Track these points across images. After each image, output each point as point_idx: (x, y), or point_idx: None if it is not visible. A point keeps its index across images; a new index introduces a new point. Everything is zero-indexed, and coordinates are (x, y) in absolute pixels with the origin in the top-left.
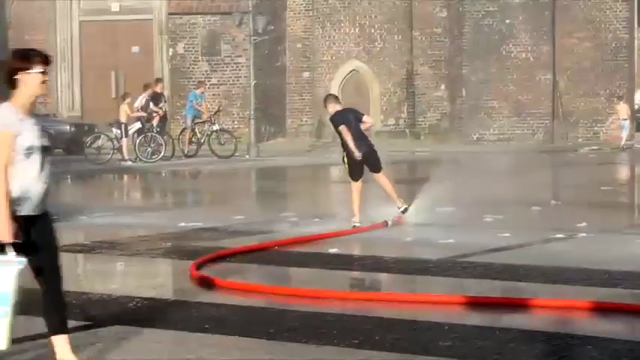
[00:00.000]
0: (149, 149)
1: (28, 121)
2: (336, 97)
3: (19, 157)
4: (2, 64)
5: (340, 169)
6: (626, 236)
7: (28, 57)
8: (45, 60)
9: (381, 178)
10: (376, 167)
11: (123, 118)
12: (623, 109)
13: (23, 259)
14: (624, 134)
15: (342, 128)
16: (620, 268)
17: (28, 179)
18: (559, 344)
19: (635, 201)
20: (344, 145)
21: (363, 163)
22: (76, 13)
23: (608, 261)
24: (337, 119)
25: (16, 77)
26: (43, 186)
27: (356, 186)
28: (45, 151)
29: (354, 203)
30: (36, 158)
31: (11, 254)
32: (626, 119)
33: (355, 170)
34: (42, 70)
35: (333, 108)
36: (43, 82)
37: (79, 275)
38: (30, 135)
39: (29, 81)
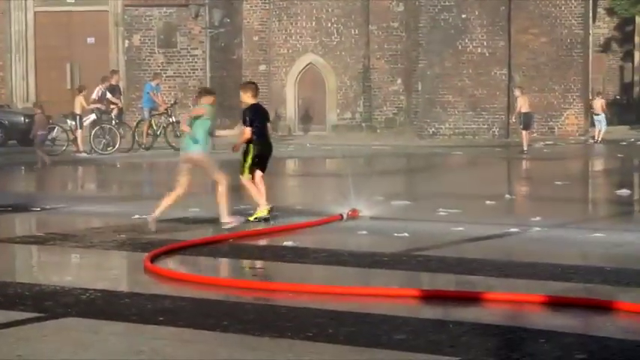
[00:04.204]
0: (104, 141)
1: None
2: (256, 88)
3: None
4: None
5: (296, 161)
6: (579, 230)
7: None
8: None
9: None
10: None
11: (78, 110)
12: (597, 104)
13: None
14: (601, 128)
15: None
16: (573, 262)
17: None
18: (512, 338)
19: (589, 195)
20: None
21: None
22: (31, 3)
23: (562, 255)
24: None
25: None
26: None
27: (251, 179)
28: None
29: (258, 195)
30: None
31: None
32: (598, 114)
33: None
34: None
35: (249, 100)
36: None
37: (33, 267)
38: None
39: None
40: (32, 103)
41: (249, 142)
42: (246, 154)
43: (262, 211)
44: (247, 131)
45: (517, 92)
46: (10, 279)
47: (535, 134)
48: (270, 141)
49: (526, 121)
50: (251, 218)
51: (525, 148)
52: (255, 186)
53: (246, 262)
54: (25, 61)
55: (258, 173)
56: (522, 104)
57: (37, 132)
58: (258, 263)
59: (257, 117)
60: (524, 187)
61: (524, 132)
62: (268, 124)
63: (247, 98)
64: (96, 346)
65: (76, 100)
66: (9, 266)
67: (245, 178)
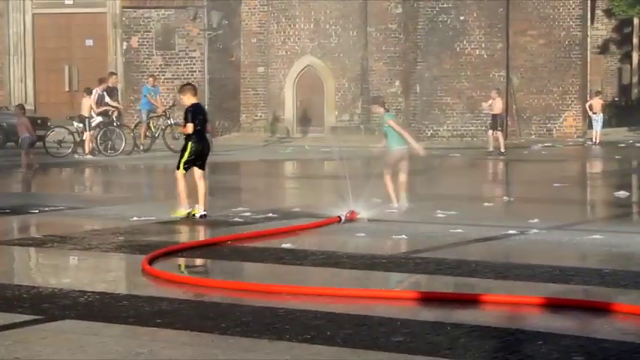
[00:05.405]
0: (109, 143)
1: None
2: (194, 89)
3: None
4: None
5: (294, 163)
6: (578, 232)
7: None
8: None
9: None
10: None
11: (86, 112)
12: (597, 103)
13: None
14: (598, 129)
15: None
16: (572, 264)
17: None
18: (510, 340)
19: (587, 197)
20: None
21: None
22: (29, 5)
23: (560, 257)
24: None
25: None
26: None
27: (183, 175)
28: None
29: (183, 194)
30: None
31: None
32: (595, 113)
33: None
34: None
35: (189, 100)
36: None
37: (31, 269)
38: None
39: None
40: (13, 108)
41: (188, 139)
42: (183, 150)
43: (181, 212)
44: (189, 127)
45: (494, 94)
46: (8, 281)
47: (533, 136)
48: (207, 139)
49: (500, 122)
50: (172, 214)
51: (503, 150)
52: (195, 185)
53: (244, 265)
54: (23, 63)
55: (198, 172)
56: (498, 106)
57: (21, 136)
58: (257, 265)
59: (197, 116)
60: (522, 189)
61: (499, 133)
62: (208, 124)
63: (187, 99)
64: (94, 349)
65: (84, 102)
66: (7, 268)
67: (180, 173)
